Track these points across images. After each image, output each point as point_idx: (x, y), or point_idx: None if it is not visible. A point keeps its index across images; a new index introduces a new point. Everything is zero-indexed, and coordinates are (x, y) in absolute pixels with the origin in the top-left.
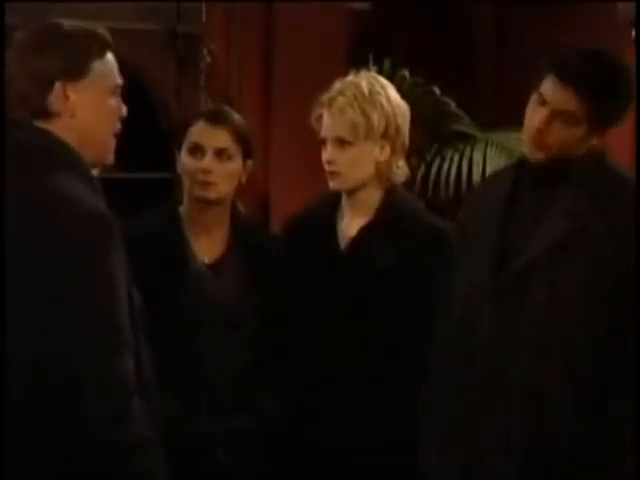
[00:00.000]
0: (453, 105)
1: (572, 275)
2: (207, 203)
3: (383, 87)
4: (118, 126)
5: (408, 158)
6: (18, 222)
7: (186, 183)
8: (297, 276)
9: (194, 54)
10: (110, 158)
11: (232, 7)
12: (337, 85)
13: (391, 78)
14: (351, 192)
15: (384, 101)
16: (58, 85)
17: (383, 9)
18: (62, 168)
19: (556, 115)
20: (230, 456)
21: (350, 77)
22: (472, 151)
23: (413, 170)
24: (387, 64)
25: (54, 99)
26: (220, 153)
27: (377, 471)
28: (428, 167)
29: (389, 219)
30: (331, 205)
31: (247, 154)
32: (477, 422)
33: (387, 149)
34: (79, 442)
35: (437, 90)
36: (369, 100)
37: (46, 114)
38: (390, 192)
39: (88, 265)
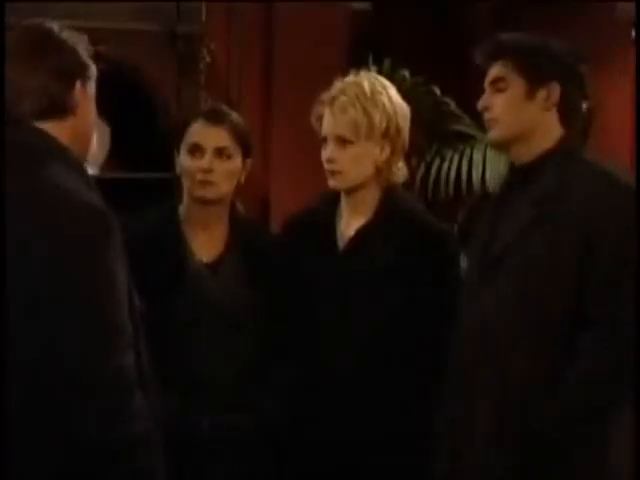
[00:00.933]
0: (453, 105)
1: (535, 260)
2: (207, 202)
3: (384, 87)
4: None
5: (408, 158)
6: (16, 220)
7: (186, 183)
8: (296, 275)
9: (194, 54)
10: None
11: (232, 7)
12: (338, 84)
13: (391, 78)
14: (351, 191)
15: (386, 101)
16: (78, 83)
17: (383, 9)
18: (59, 166)
19: (493, 87)
20: (230, 455)
21: (351, 77)
22: (472, 151)
23: (413, 170)
24: (387, 64)
25: (75, 96)
26: (219, 152)
27: (377, 470)
28: (428, 167)
29: (388, 219)
30: (330, 204)
31: (246, 153)
32: (459, 401)
33: (387, 149)
34: (80, 440)
35: (437, 90)
36: (371, 99)
37: (63, 110)
38: (389, 192)
39: (87, 261)
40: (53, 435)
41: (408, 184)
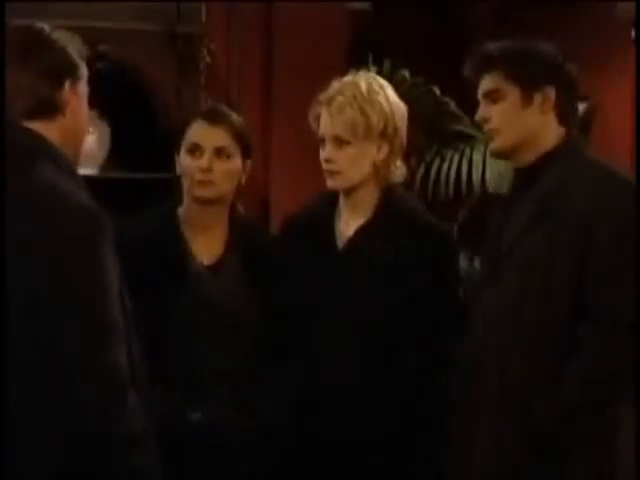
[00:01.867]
0: (453, 105)
1: (535, 259)
2: (206, 203)
3: (381, 87)
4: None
5: (407, 158)
6: (14, 220)
7: (185, 183)
8: (296, 275)
9: (194, 54)
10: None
11: (232, 7)
12: (335, 85)
13: (391, 78)
14: (349, 191)
15: (383, 101)
16: (67, 83)
17: (383, 9)
18: (49, 165)
19: (487, 98)
20: (230, 455)
21: (348, 77)
22: (472, 151)
23: (413, 170)
24: (387, 64)
25: (64, 96)
26: (219, 152)
27: (377, 470)
28: (428, 167)
29: (388, 219)
30: (329, 204)
31: (246, 153)
32: (464, 401)
33: (385, 149)
34: (76, 437)
35: (437, 90)
36: (368, 100)
37: (52, 110)
38: (388, 192)
39: (86, 261)
40: (53, 434)
41: (408, 184)
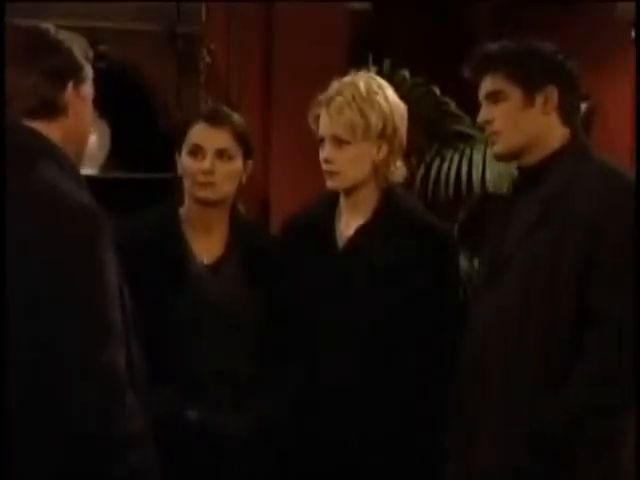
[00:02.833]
0: (453, 105)
1: (540, 260)
2: (208, 204)
3: (381, 87)
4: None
5: (407, 158)
6: (14, 220)
7: (187, 184)
8: (296, 276)
9: (194, 54)
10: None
11: (232, 7)
12: (335, 85)
13: (391, 78)
14: (349, 191)
15: (382, 101)
16: (70, 84)
17: (383, 9)
18: (50, 165)
19: (489, 100)
20: (230, 456)
21: (348, 77)
22: (472, 151)
23: (413, 170)
24: (387, 64)
25: (66, 97)
26: (221, 153)
27: (377, 470)
28: (428, 167)
29: (388, 219)
30: (330, 205)
31: (247, 154)
32: (467, 401)
33: (384, 149)
34: (75, 437)
35: (437, 90)
36: (367, 100)
37: (54, 110)
38: (388, 192)
39: (86, 261)
40: (52, 434)
41: (408, 184)
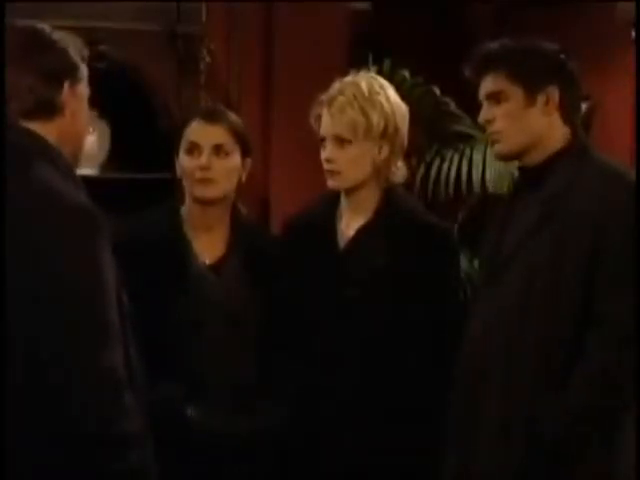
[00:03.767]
0: (453, 105)
1: (541, 260)
2: (207, 202)
3: (382, 87)
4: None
5: (408, 158)
6: (13, 221)
7: (186, 183)
8: (297, 276)
9: (194, 54)
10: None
11: (232, 7)
12: (336, 85)
13: (391, 78)
14: (350, 191)
15: (383, 101)
16: (66, 84)
17: (383, 9)
18: (46, 165)
19: (490, 100)
20: (231, 456)
21: (349, 77)
22: (472, 151)
23: (413, 170)
24: (387, 64)
25: (63, 97)
26: (217, 149)
27: (377, 470)
28: (428, 167)
29: (388, 219)
30: (330, 205)
31: (245, 151)
32: (467, 402)
33: (386, 149)
34: (74, 437)
35: (437, 90)
36: (369, 100)
37: (50, 110)
38: (389, 192)
39: (85, 262)
40: (51, 434)
41: (408, 184)
